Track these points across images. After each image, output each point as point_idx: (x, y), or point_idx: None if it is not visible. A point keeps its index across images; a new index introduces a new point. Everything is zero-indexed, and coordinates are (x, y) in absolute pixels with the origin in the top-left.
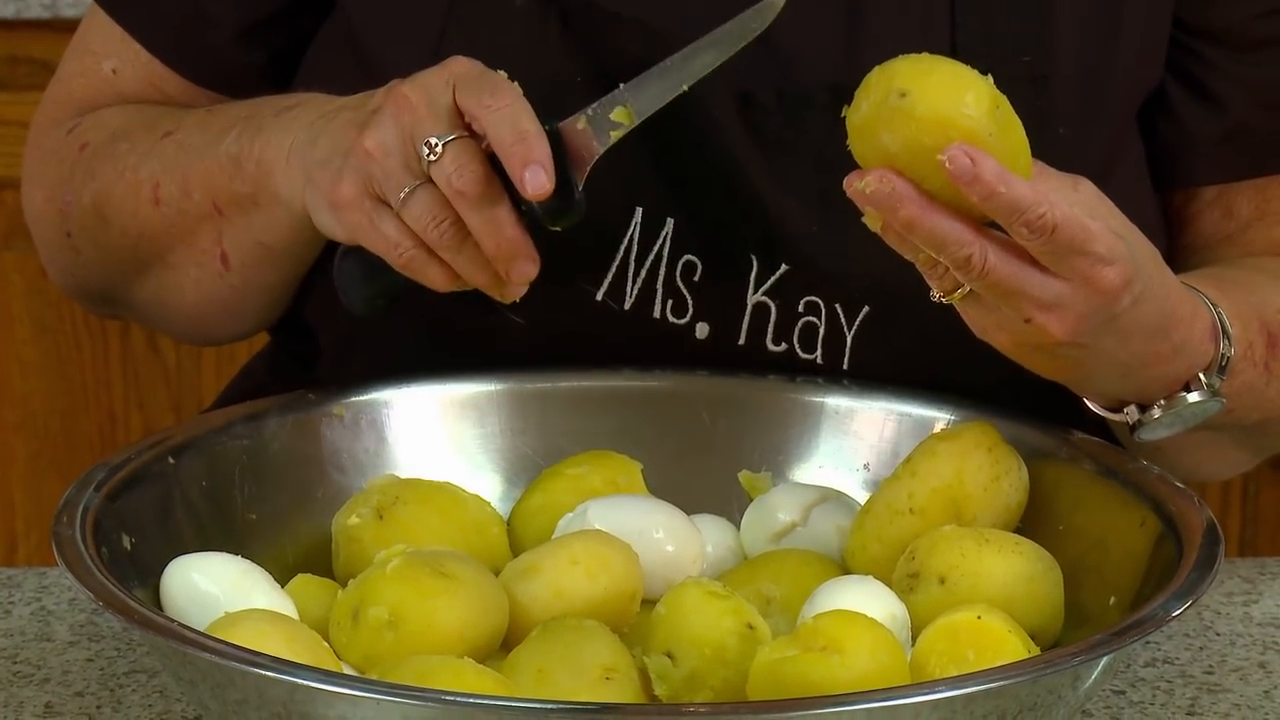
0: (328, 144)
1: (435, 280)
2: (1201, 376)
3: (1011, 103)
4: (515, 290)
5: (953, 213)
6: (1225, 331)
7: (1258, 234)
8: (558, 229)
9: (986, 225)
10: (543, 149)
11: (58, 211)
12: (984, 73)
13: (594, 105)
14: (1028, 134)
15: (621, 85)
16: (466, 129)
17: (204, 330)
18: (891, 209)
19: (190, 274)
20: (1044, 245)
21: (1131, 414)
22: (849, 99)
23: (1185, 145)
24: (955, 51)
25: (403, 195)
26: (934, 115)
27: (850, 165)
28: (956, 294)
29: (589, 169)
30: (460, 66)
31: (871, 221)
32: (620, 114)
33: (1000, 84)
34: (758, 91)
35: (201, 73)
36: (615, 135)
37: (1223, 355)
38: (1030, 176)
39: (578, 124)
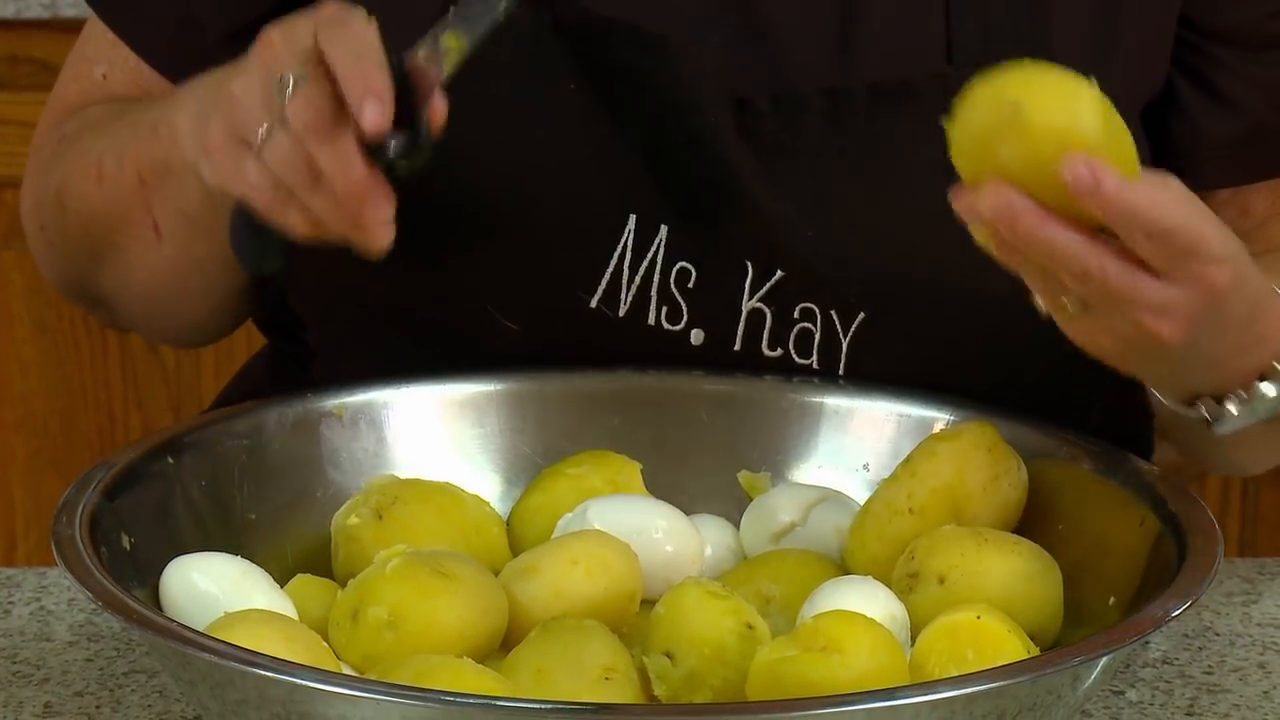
0: (208, 96)
1: (295, 225)
2: (1277, 364)
3: None
4: (375, 236)
5: (1068, 223)
6: None
7: (1274, 229)
8: (410, 174)
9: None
10: (380, 80)
11: (35, 206)
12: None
13: (428, 35)
14: None
15: (451, 11)
16: (323, 70)
17: (160, 315)
18: (1010, 224)
19: (134, 252)
20: (1160, 251)
21: (1210, 408)
22: (844, 102)
23: (1199, 147)
24: (951, 54)
25: (260, 135)
26: (1050, 127)
27: (844, 170)
28: (1068, 308)
29: (434, 101)
30: (327, 9)
31: (979, 235)
32: (450, 39)
33: None
34: (752, 96)
35: (188, 76)
36: (449, 65)
37: None
38: (1139, 178)
39: (419, 56)
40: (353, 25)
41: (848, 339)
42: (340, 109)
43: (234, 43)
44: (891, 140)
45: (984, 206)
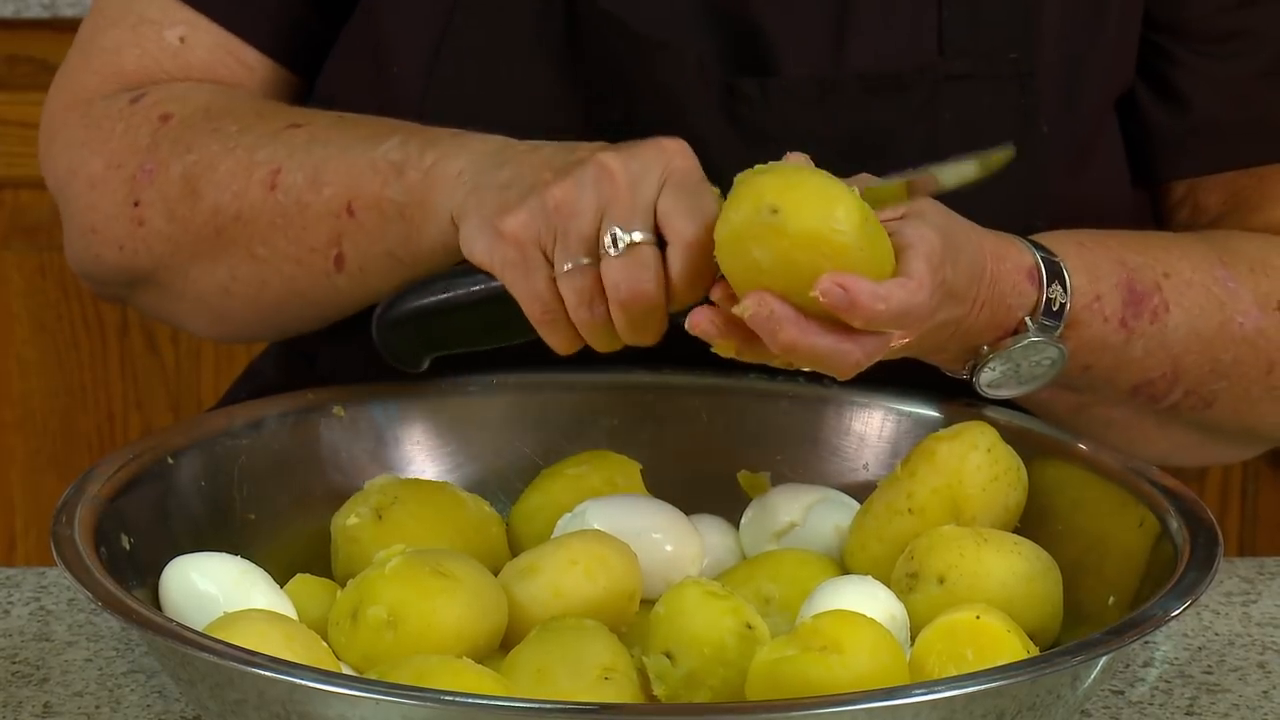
0: (514, 171)
1: (561, 346)
2: (1027, 320)
3: (997, 102)
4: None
5: (827, 324)
6: (1059, 277)
7: (1230, 225)
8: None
9: None
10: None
11: (127, 178)
12: (971, 73)
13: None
14: (1012, 132)
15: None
16: (656, 230)
17: (261, 324)
18: (771, 333)
19: (283, 269)
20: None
21: (969, 366)
22: (832, 92)
23: (1151, 142)
24: (943, 46)
25: (568, 267)
26: (806, 232)
27: (832, 157)
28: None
29: None
30: (680, 162)
31: (724, 350)
32: None
33: (987, 83)
34: (741, 83)
35: (293, 57)
36: None
37: (1051, 299)
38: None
39: None
40: (701, 211)
41: None
42: (658, 291)
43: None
44: (880, 129)
45: (747, 314)
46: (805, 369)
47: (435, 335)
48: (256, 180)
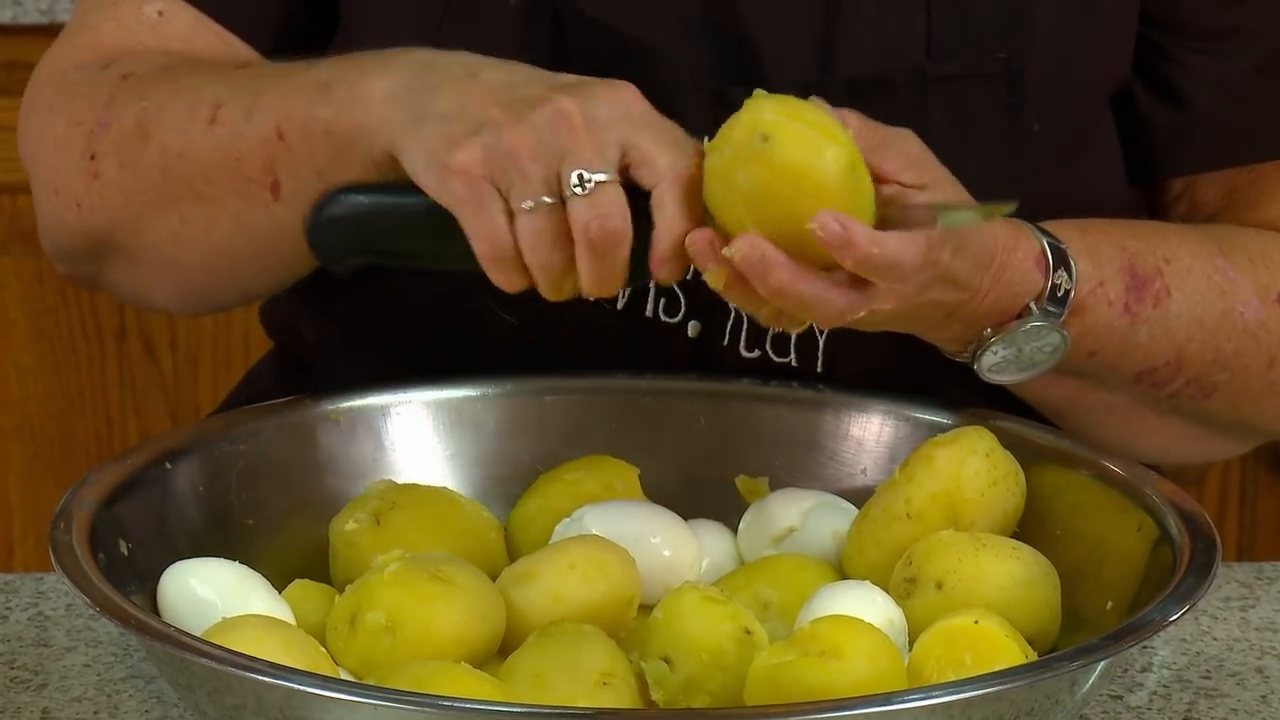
0: (455, 102)
1: (510, 285)
2: (1032, 305)
3: (986, 101)
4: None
5: (813, 271)
6: (1065, 264)
7: (1226, 221)
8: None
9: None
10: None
11: (85, 134)
12: (960, 73)
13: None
14: (1000, 130)
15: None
16: (622, 168)
17: (216, 278)
18: (761, 275)
19: (227, 204)
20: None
21: (971, 349)
22: (823, 96)
23: (1148, 139)
24: (931, 48)
25: (528, 206)
26: (791, 166)
27: None
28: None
29: None
30: (637, 105)
31: (712, 279)
32: None
33: (976, 82)
34: (729, 88)
35: (265, 36)
36: None
37: (1057, 285)
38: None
39: None
40: (680, 151)
41: (824, 335)
42: (626, 226)
43: None
44: None
45: (737, 257)
46: (788, 327)
47: (373, 237)
48: (199, 117)
